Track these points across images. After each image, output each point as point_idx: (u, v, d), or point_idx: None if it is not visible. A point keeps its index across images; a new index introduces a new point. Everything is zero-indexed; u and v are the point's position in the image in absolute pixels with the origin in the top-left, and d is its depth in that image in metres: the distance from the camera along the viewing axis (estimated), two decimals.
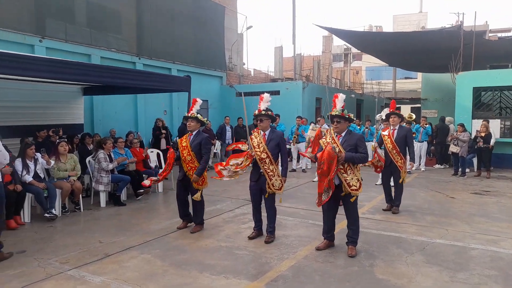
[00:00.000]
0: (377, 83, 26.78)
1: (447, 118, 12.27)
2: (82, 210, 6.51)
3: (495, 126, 11.09)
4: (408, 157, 6.44)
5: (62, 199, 6.22)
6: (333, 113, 4.38)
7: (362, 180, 4.39)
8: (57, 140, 6.83)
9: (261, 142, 4.80)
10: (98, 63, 10.38)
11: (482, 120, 10.91)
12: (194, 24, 14.95)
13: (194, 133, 5.29)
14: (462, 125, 10.68)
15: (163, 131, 10.08)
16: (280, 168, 4.91)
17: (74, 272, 3.98)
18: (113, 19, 11.91)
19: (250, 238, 4.97)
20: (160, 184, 8.14)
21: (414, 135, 10.71)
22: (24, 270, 4.01)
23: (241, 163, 4.89)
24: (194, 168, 5.15)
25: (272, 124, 8.58)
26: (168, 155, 5.46)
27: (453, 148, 10.51)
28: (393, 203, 6.40)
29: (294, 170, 10.91)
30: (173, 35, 14.02)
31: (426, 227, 5.52)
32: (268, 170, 4.75)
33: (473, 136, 10.59)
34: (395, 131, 6.27)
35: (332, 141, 4.36)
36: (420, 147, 11.17)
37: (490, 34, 22.43)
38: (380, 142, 6.51)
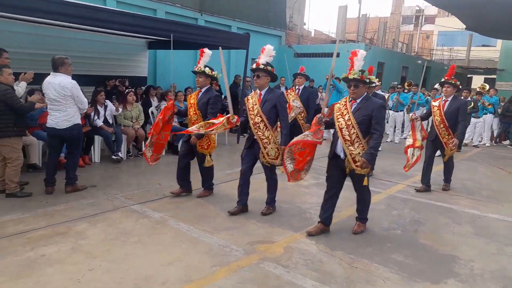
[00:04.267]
0: (449, 49, 24.69)
1: None
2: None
3: None
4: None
5: (127, 144, 6.82)
6: (351, 76, 3.57)
7: None
8: (126, 90, 7.36)
9: (256, 104, 4.12)
10: (163, 18, 10.71)
11: None
12: None
13: (203, 89, 4.66)
14: None
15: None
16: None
17: (137, 207, 4.47)
18: None
19: (231, 213, 4.32)
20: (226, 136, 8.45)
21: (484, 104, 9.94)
22: (95, 201, 4.58)
23: (217, 127, 4.14)
24: None
25: (307, 83, 7.23)
26: (166, 106, 4.72)
27: None
28: (426, 183, 5.73)
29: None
30: None
31: (480, 201, 5.33)
32: (263, 137, 4.09)
33: None
34: (447, 103, 5.44)
35: (344, 108, 3.70)
36: (484, 120, 10.46)
37: None
38: (428, 114, 5.73)
